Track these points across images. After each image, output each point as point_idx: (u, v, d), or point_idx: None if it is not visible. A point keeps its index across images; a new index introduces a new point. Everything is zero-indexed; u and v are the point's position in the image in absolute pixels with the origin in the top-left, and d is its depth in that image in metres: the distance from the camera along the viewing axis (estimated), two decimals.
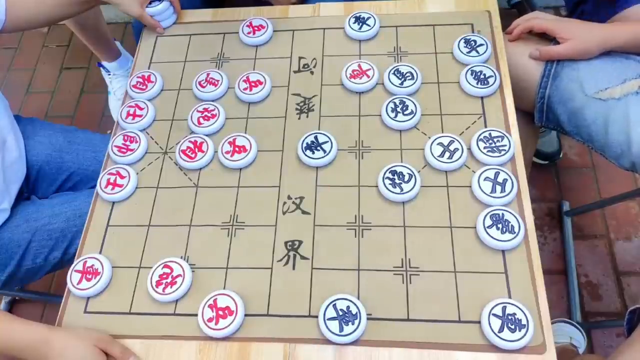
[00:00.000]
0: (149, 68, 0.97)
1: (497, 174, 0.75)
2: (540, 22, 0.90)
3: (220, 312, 0.69)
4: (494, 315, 0.65)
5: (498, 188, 0.74)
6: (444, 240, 0.73)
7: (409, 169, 0.77)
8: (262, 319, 0.70)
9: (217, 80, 0.91)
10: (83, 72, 1.90)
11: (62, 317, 0.74)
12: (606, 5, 0.97)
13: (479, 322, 0.66)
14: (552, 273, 1.32)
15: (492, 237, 0.70)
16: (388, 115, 0.83)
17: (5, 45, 2.01)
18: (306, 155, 0.81)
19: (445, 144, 0.79)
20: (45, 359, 0.68)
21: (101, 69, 1.68)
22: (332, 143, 0.82)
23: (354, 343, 0.67)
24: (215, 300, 0.70)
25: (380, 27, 0.94)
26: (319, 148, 0.81)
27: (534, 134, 1.10)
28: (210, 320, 0.69)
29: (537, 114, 0.95)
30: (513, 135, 0.80)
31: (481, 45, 0.87)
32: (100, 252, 0.78)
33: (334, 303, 0.68)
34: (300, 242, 0.76)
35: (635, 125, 0.82)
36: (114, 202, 0.83)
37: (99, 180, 0.84)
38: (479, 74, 0.85)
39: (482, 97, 0.84)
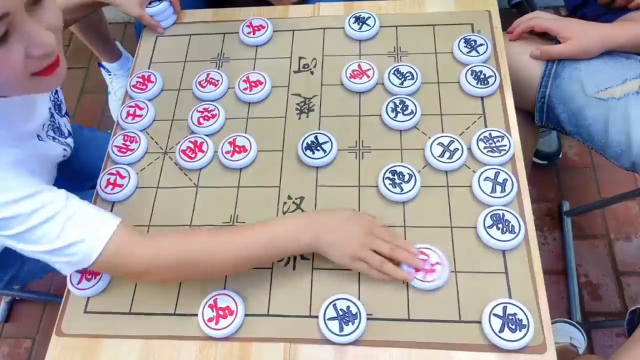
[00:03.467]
0: (149, 68, 0.97)
1: (497, 174, 0.75)
2: (541, 22, 0.90)
3: (221, 312, 0.69)
4: (495, 315, 0.65)
5: (498, 188, 0.74)
6: (444, 240, 0.73)
7: (409, 169, 0.77)
8: (263, 319, 0.70)
9: (217, 80, 0.91)
10: (83, 72, 1.90)
11: (63, 317, 0.74)
12: (606, 10, 0.98)
13: (480, 322, 0.66)
14: (552, 273, 1.32)
15: (492, 237, 0.70)
16: (388, 115, 0.83)
17: None
18: (306, 155, 0.81)
19: (445, 144, 0.79)
20: (315, 235, 0.68)
21: (101, 69, 1.68)
22: (332, 143, 0.82)
23: (354, 343, 0.67)
24: (215, 300, 0.70)
25: (380, 27, 0.94)
26: (319, 148, 0.81)
27: (534, 134, 1.10)
28: (210, 320, 0.69)
29: (538, 113, 0.95)
30: (513, 135, 0.80)
31: (481, 45, 0.87)
32: None
33: (334, 303, 0.68)
34: None
35: (635, 125, 0.82)
36: (114, 202, 0.83)
37: (99, 180, 0.84)
38: (479, 74, 0.84)
39: (482, 97, 0.84)
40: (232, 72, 0.93)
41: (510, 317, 0.65)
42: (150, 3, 0.98)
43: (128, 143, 0.87)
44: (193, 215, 0.80)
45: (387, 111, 0.83)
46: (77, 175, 1.03)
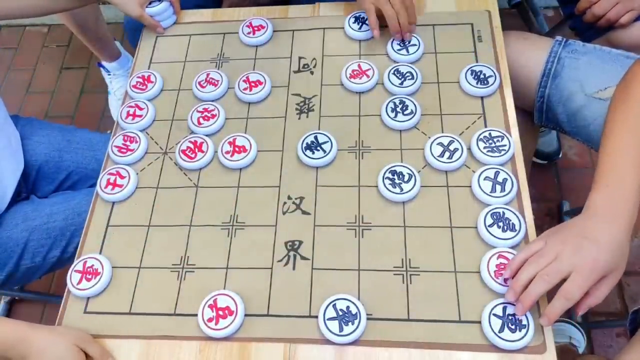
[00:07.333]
0: (149, 68, 0.97)
1: (497, 174, 0.75)
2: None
3: (220, 312, 0.69)
4: (495, 315, 0.65)
5: (498, 188, 0.74)
6: (444, 240, 0.73)
7: (409, 169, 0.77)
8: (262, 319, 0.70)
9: (217, 80, 0.91)
10: (83, 72, 1.90)
11: (62, 317, 0.74)
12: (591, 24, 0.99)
13: (480, 322, 0.66)
14: None
15: (493, 235, 0.70)
16: (388, 115, 0.83)
17: (5, 45, 2.01)
18: (306, 155, 0.81)
19: (445, 144, 0.79)
20: (25, 357, 0.67)
21: (101, 69, 1.68)
22: (332, 143, 0.82)
23: (354, 343, 0.67)
24: (215, 300, 0.70)
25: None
26: (319, 148, 0.81)
27: (534, 134, 1.10)
28: (210, 320, 0.69)
29: (537, 113, 0.95)
30: (513, 135, 0.80)
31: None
32: (100, 252, 0.78)
33: (334, 303, 0.68)
34: (301, 242, 0.75)
35: None
36: (114, 202, 0.83)
37: (98, 181, 0.84)
38: (479, 73, 0.84)
39: (482, 97, 0.84)
40: (232, 72, 0.93)
41: (510, 317, 0.65)
42: (150, 3, 0.98)
43: (128, 143, 0.87)
44: (193, 215, 0.80)
45: (387, 111, 0.83)
46: (71, 175, 1.03)
